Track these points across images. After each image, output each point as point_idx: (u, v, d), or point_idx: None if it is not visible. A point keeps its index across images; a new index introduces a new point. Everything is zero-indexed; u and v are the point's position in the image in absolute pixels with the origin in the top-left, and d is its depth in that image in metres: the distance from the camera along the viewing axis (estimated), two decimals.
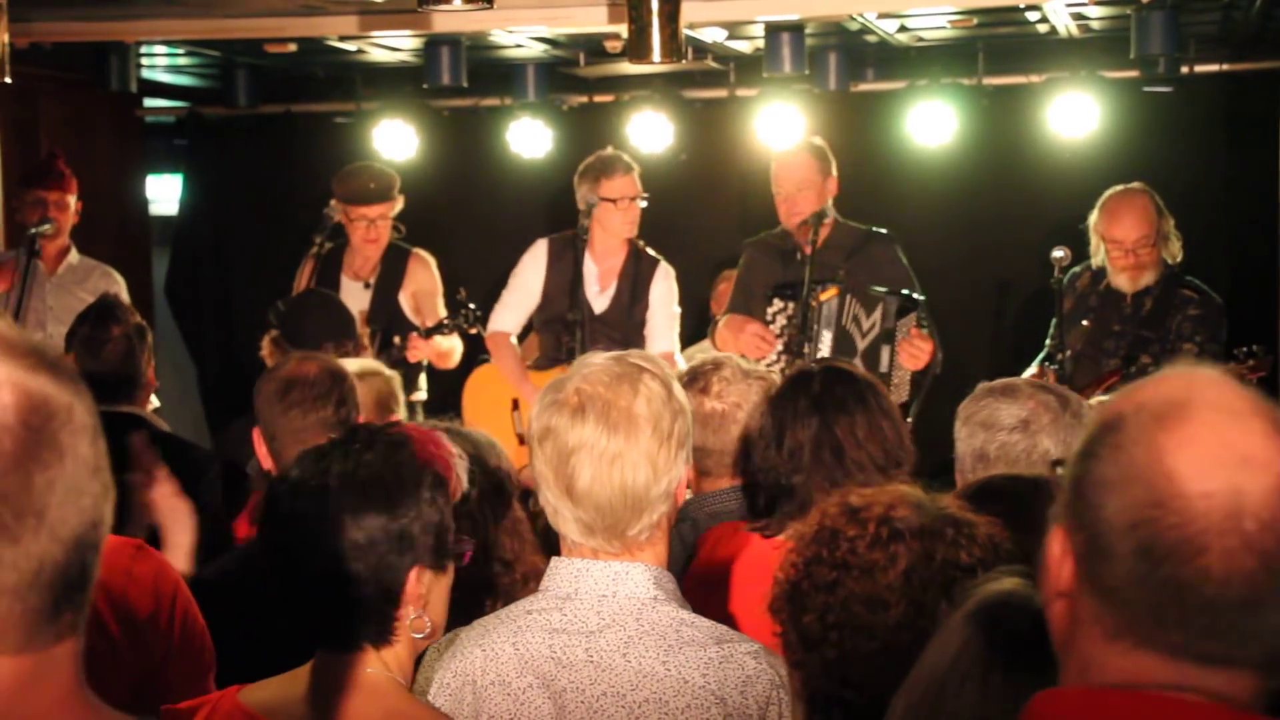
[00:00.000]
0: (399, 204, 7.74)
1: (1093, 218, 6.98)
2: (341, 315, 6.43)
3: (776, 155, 7.31)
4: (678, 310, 7.70)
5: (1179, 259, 7.00)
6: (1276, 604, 1.53)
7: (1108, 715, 1.57)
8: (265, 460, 4.16)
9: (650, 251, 7.69)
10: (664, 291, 7.64)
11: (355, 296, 7.60)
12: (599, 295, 7.60)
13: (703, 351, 8.06)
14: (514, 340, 7.76)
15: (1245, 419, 1.56)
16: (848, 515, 2.41)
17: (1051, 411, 3.50)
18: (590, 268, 7.57)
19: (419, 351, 7.35)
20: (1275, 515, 1.51)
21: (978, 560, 2.33)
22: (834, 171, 7.13)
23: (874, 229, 7.21)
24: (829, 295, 6.73)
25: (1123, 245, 6.85)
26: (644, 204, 7.50)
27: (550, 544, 3.06)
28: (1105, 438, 1.59)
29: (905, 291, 6.78)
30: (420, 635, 2.65)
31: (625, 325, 7.56)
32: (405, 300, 7.74)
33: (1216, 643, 1.54)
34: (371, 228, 7.65)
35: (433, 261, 7.85)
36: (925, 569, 2.33)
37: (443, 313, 7.73)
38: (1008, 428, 3.48)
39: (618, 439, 2.77)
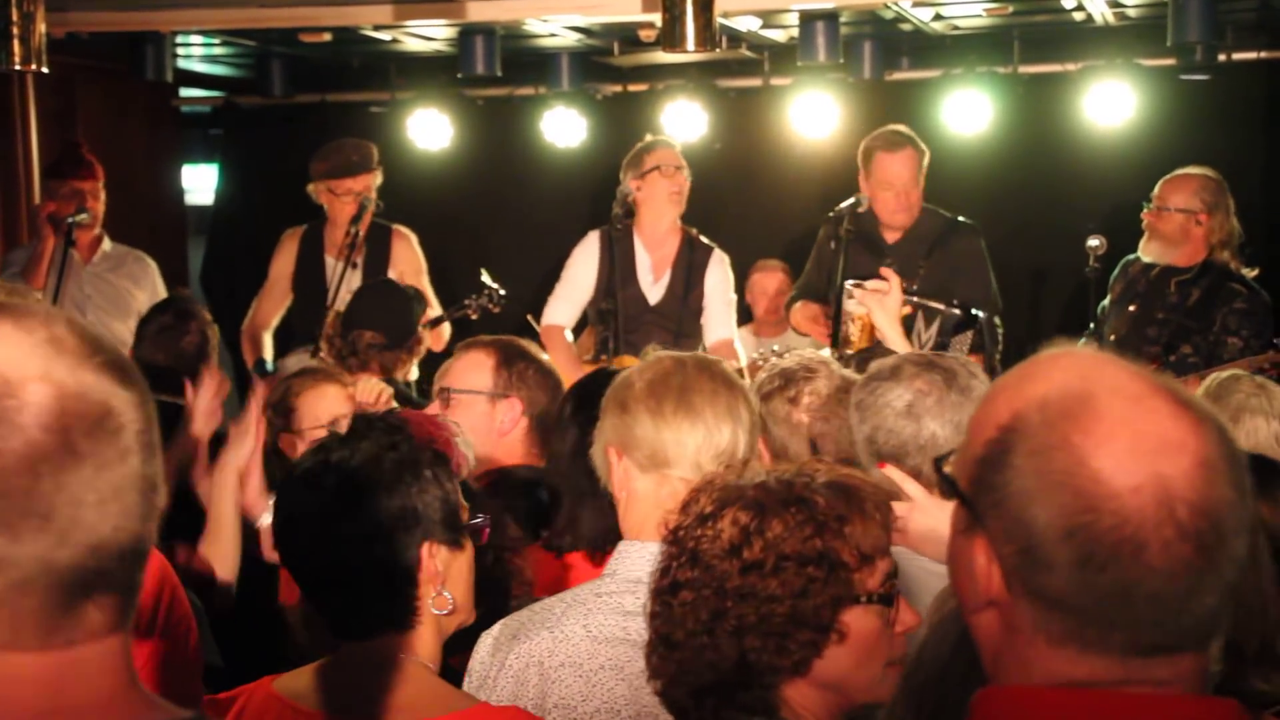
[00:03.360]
0: (380, 175, 7.72)
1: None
2: (401, 319, 6.29)
3: (882, 146, 7.15)
4: (734, 297, 7.59)
5: (1230, 263, 6.94)
6: (1212, 584, 1.51)
7: (1056, 714, 1.54)
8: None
9: (704, 239, 7.66)
10: (719, 279, 7.54)
11: (344, 277, 7.57)
12: (653, 285, 7.54)
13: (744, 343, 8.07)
14: (569, 334, 7.73)
15: (1150, 401, 1.53)
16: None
17: (937, 390, 3.35)
18: (643, 257, 7.53)
19: (440, 341, 7.25)
20: (1202, 496, 1.50)
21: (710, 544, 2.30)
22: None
23: (959, 219, 7.21)
24: (904, 313, 6.69)
25: (1155, 202, 6.88)
26: (688, 177, 7.49)
27: None
28: (1014, 444, 1.55)
29: (968, 306, 6.72)
30: (443, 613, 2.62)
31: (680, 314, 7.49)
32: (394, 278, 7.71)
33: (1162, 634, 1.53)
34: (357, 201, 7.61)
35: (414, 237, 7.84)
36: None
37: (430, 289, 7.72)
38: (893, 412, 3.37)
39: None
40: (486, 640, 2.92)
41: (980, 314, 6.69)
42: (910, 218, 7.13)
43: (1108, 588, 1.50)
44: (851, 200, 6.92)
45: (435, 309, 7.57)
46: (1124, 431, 1.51)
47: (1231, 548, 1.52)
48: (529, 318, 7.88)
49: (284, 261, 7.85)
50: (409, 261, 7.78)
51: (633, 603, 2.77)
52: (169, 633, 3.33)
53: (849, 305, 6.12)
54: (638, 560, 2.81)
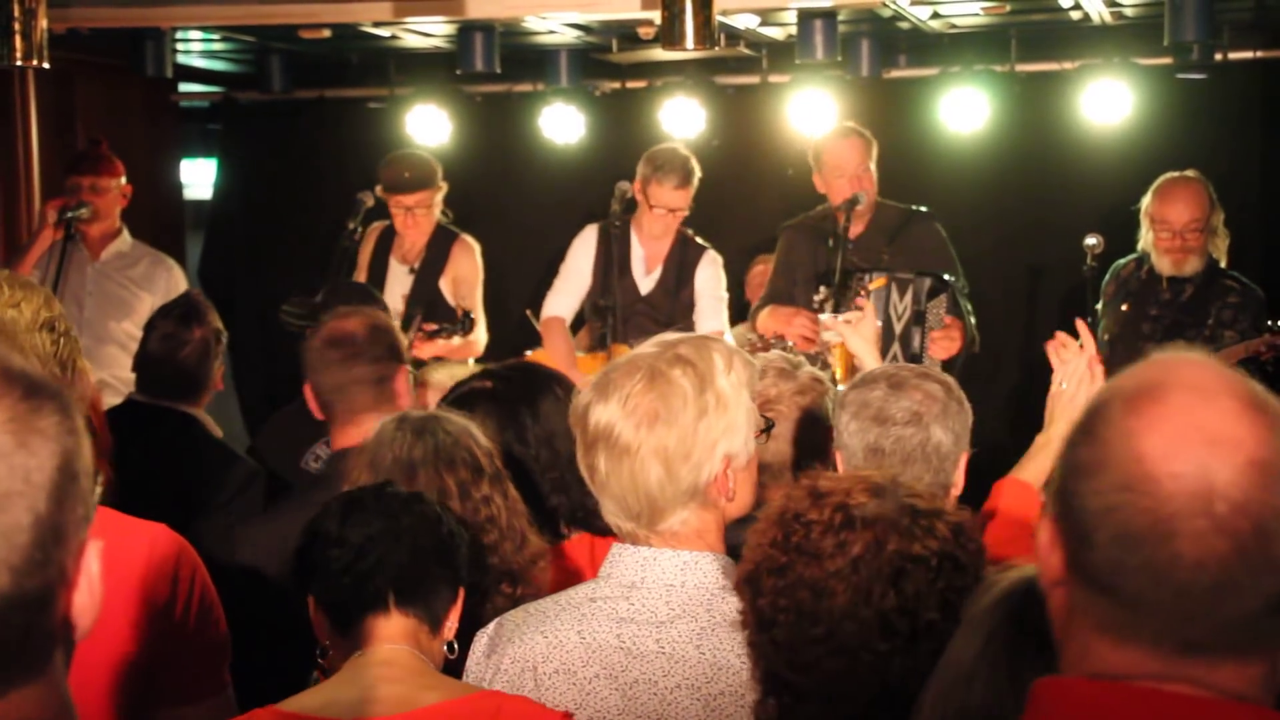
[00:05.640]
0: (440, 191, 7.73)
1: (1145, 200, 7.01)
2: (377, 304, 6.49)
3: (829, 138, 7.28)
4: (725, 295, 7.69)
5: (1224, 260, 7.02)
6: (1253, 588, 1.50)
7: (1101, 706, 1.55)
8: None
9: (699, 240, 7.72)
10: (710, 277, 7.65)
11: (400, 279, 7.69)
12: (645, 276, 7.64)
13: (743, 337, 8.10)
14: (568, 326, 7.78)
15: (1216, 398, 1.53)
16: (810, 498, 2.38)
17: (939, 401, 3.45)
18: (637, 250, 7.63)
19: (423, 351, 7.31)
20: (1247, 496, 1.48)
21: (933, 552, 2.29)
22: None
23: (914, 208, 7.26)
24: (879, 284, 6.74)
25: (1171, 227, 6.88)
26: (685, 212, 7.55)
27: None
28: (1086, 425, 1.58)
29: (936, 273, 6.81)
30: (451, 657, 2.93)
31: (670, 307, 7.57)
32: (446, 285, 7.75)
33: (1194, 630, 1.52)
34: (409, 215, 7.67)
35: (477, 248, 7.84)
36: (874, 559, 2.29)
37: (479, 303, 7.75)
38: (901, 421, 3.44)
39: (631, 430, 2.73)
40: (482, 640, 2.90)
41: (949, 278, 6.76)
42: (870, 200, 7.15)
43: (1137, 569, 1.50)
44: (850, 197, 6.94)
45: (481, 325, 7.57)
46: (1179, 420, 1.52)
47: (1277, 554, 1.50)
48: (528, 313, 7.92)
49: (364, 255, 7.88)
50: (464, 271, 7.79)
51: (626, 609, 2.75)
52: (199, 617, 3.34)
53: (826, 335, 6.17)
54: (631, 564, 2.79)
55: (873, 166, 7.12)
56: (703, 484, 2.75)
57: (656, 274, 7.65)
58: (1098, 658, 1.57)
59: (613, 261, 7.44)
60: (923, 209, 7.29)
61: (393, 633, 2.82)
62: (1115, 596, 1.53)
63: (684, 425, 2.72)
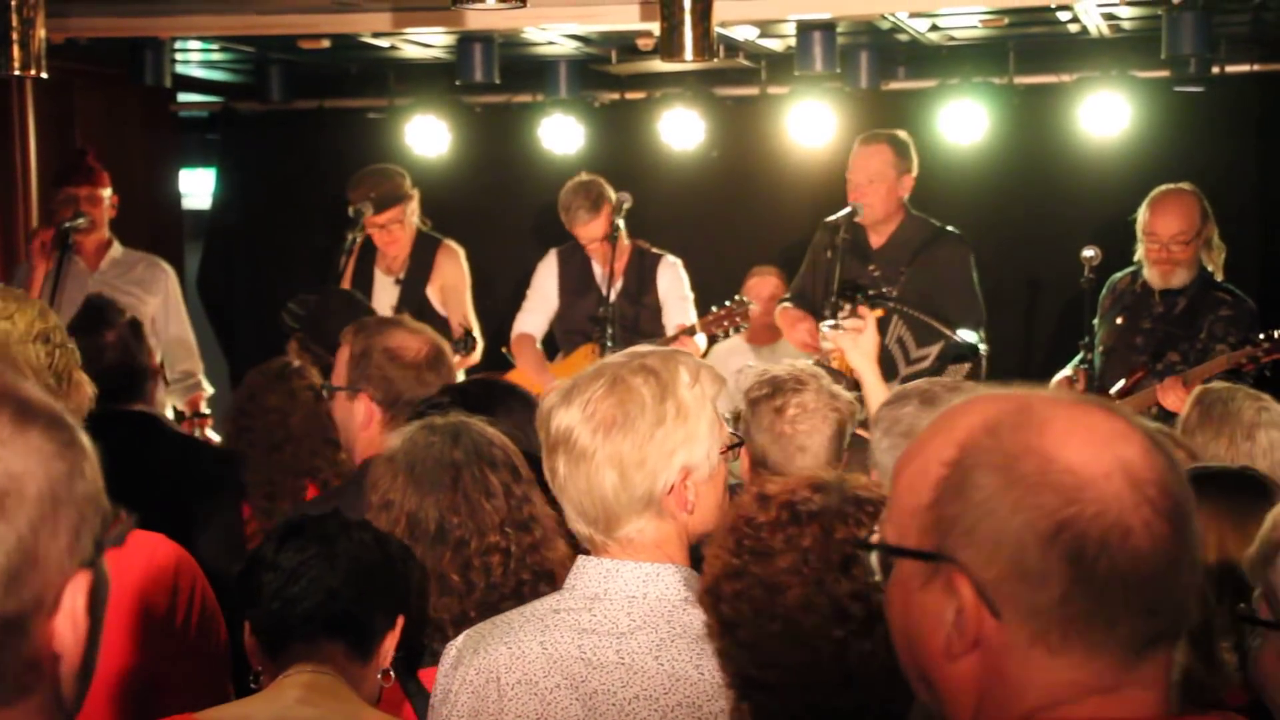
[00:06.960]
0: (409, 204, 7.75)
1: (1139, 212, 7.01)
2: (364, 314, 6.49)
3: (857, 141, 7.29)
4: (689, 294, 7.87)
5: (1219, 273, 7.01)
6: (1188, 561, 1.54)
7: None
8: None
9: (654, 250, 7.86)
10: (672, 279, 7.86)
11: (386, 291, 7.70)
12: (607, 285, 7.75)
13: (732, 351, 8.13)
14: (537, 343, 7.88)
15: (1083, 405, 1.58)
16: (757, 503, 2.42)
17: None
18: (596, 268, 7.77)
19: None
20: (1162, 475, 1.52)
21: None
22: (913, 170, 7.17)
23: (946, 228, 7.24)
24: (876, 315, 6.69)
25: (1158, 239, 6.88)
26: (617, 229, 7.68)
27: None
28: (973, 467, 1.54)
29: (970, 341, 6.72)
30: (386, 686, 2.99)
31: (635, 312, 7.72)
32: (433, 294, 7.77)
33: (1157, 621, 1.53)
34: (384, 232, 7.72)
35: (461, 253, 7.89)
36: (823, 548, 2.32)
37: (469, 308, 7.77)
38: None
39: (589, 436, 2.73)
40: (450, 652, 2.90)
41: (983, 349, 6.69)
42: (872, 215, 7.12)
43: (1104, 579, 1.49)
44: (848, 209, 6.94)
45: (475, 333, 7.59)
46: (1077, 427, 1.54)
47: (1195, 523, 1.55)
48: (504, 350, 7.98)
49: (348, 267, 7.90)
50: (450, 278, 7.84)
51: (588, 620, 2.75)
52: (199, 627, 3.33)
53: (825, 345, 6.10)
54: (594, 576, 2.79)
55: (900, 179, 7.09)
56: (658, 493, 2.74)
57: (619, 284, 7.76)
58: (1047, 684, 1.53)
59: (591, 275, 7.58)
60: (953, 230, 7.26)
61: (319, 658, 2.84)
62: (1077, 618, 1.50)
63: (640, 433, 2.71)
